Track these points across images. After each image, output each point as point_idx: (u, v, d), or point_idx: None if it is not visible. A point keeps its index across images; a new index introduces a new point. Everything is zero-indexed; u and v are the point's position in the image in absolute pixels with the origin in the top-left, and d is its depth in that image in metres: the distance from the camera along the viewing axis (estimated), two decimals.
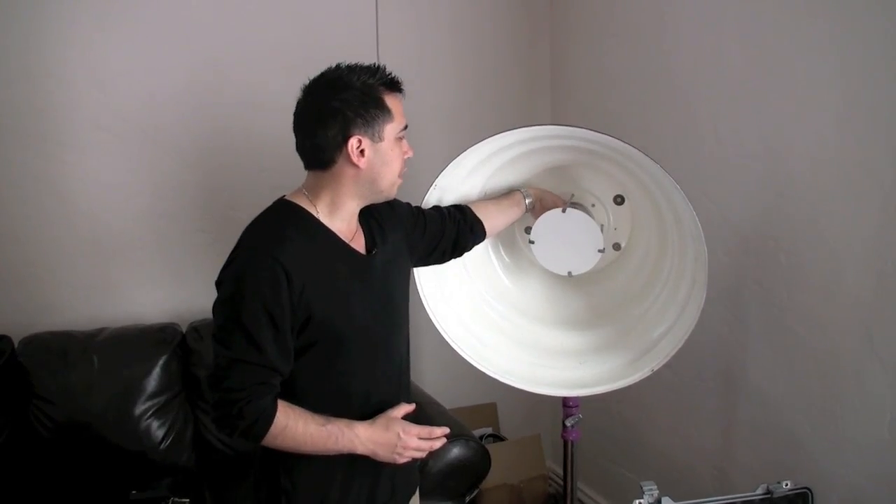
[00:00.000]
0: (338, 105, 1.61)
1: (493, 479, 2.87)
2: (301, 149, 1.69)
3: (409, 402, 1.82)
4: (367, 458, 1.70)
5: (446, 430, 1.81)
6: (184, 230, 2.92)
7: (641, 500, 1.86)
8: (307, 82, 1.68)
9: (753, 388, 2.38)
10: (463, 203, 2.10)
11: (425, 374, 3.20)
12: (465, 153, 1.97)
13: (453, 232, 2.01)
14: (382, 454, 1.71)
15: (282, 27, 2.96)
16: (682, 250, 2.04)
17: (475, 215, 2.06)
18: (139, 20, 2.77)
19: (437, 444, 1.80)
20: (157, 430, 2.63)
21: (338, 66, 1.68)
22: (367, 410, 1.73)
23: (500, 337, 2.28)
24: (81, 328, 2.72)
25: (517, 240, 2.32)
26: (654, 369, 2.05)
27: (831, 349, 2.11)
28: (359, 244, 1.75)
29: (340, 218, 1.70)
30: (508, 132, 1.92)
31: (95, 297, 2.85)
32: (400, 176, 1.74)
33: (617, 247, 2.23)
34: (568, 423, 2.32)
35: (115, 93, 2.77)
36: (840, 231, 2.05)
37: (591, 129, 1.89)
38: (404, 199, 1.94)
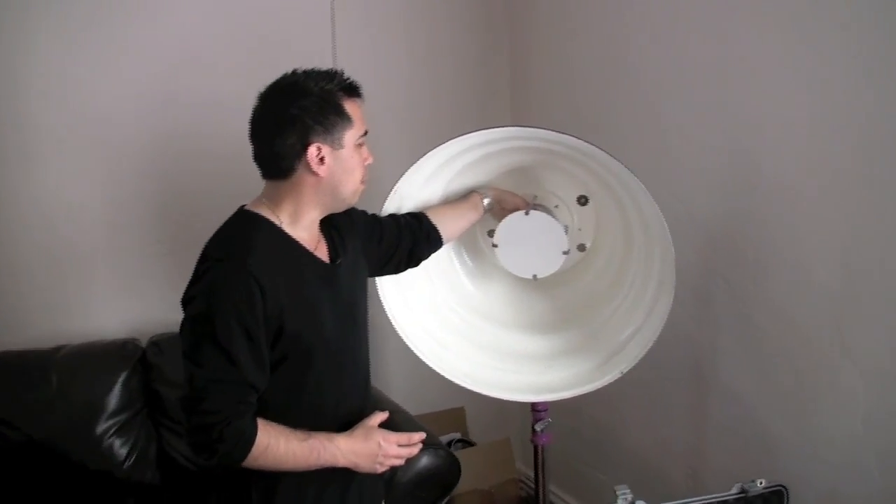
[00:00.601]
0: (296, 112, 1.57)
1: (463, 485, 2.83)
2: (258, 158, 1.65)
3: (372, 410, 1.79)
4: (338, 470, 1.66)
5: (423, 434, 1.80)
6: (141, 241, 2.85)
7: None
8: (263, 89, 1.64)
9: (724, 385, 2.36)
10: (421, 209, 2.06)
11: (391, 380, 3.15)
12: (423, 158, 1.93)
13: (409, 242, 1.98)
14: (364, 465, 1.68)
15: (237, 32, 2.91)
16: (648, 251, 2.02)
17: (431, 223, 2.02)
18: (94, 29, 2.71)
19: (416, 450, 1.78)
20: (119, 448, 2.57)
21: (294, 73, 1.64)
22: (338, 422, 1.70)
23: (464, 342, 2.24)
24: (40, 346, 2.65)
25: (480, 244, 2.28)
26: (624, 372, 2.03)
27: (802, 344, 2.09)
28: (322, 253, 1.72)
29: (303, 227, 1.67)
30: (466, 136, 1.89)
31: (53, 314, 2.78)
32: (362, 183, 1.70)
33: (582, 248, 2.20)
34: (538, 428, 2.29)
35: (70, 102, 2.71)
36: (808, 226, 2.03)
37: (551, 130, 1.86)
38: (363, 206, 1.90)
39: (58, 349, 2.63)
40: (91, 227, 2.79)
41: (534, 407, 2.23)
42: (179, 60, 2.83)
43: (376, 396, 2.50)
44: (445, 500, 2.64)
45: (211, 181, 2.81)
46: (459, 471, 2.57)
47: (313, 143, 1.59)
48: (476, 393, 2.16)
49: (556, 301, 2.26)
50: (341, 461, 1.64)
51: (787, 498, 1.88)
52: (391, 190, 2.00)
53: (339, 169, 1.63)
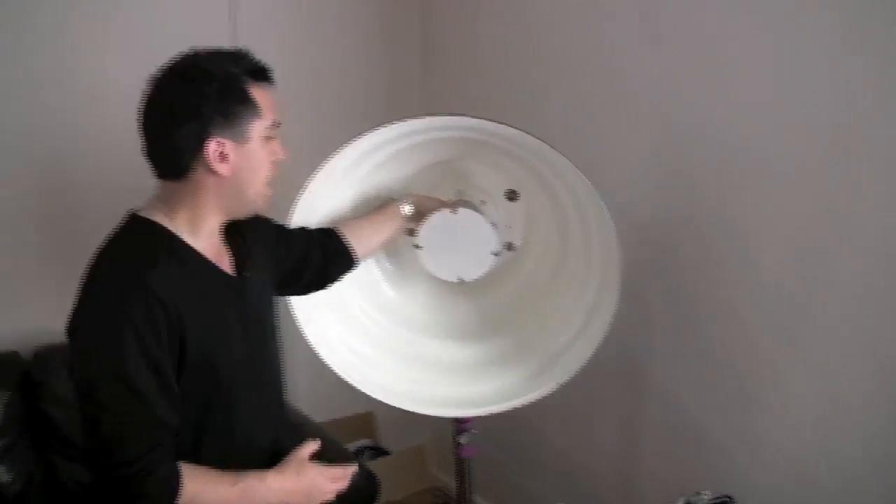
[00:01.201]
0: (193, 100, 1.36)
1: None
2: (150, 154, 1.41)
3: (289, 433, 1.63)
4: None
5: (356, 467, 1.64)
6: (18, 241, 2.49)
7: None
8: (156, 71, 1.40)
9: (662, 389, 2.22)
10: (331, 223, 1.86)
11: (297, 384, 2.88)
12: (332, 159, 1.72)
13: (318, 259, 1.78)
14: (298, 503, 1.52)
15: (128, 9, 2.57)
16: (587, 250, 1.85)
17: (342, 242, 1.82)
18: None
19: (347, 484, 1.61)
20: (3, 475, 2.26)
21: (193, 53, 1.41)
22: (252, 450, 1.56)
23: (382, 353, 2.03)
24: None
25: (400, 245, 2.06)
26: (561, 384, 1.86)
27: (748, 346, 1.96)
28: (226, 266, 1.51)
29: (204, 236, 1.46)
30: (378, 130, 1.68)
31: None
32: (269, 182, 1.49)
33: (511, 247, 2.01)
34: (462, 441, 2.12)
35: None
36: (757, 221, 1.89)
37: (474, 117, 1.66)
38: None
39: None
40: None
41: (458, 418, 2.04)
42: (65, 40, 2.46)
43: None
44: None
45: (98, 178, 2.46)
46: (378, 489, 2.36)
47: (213, 137, 1.37)
48: None
49: (484, 306, 2.07)
50: (273, 502, 1.47)
51: None
52: (303, 188, 1.77)
53: (244, 167, 1.42)
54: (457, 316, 2.08)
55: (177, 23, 2.55)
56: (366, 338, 2.05)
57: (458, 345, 2.05)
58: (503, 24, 2.63)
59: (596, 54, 2.26)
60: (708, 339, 2.07)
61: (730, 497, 1.80)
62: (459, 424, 2.08)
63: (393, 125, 1.68)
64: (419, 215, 1.90)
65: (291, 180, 1.72)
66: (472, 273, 1.90)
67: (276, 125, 1.47)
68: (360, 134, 1.69)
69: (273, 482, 1.47)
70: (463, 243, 1.87)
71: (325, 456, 1.60)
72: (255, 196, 1.47)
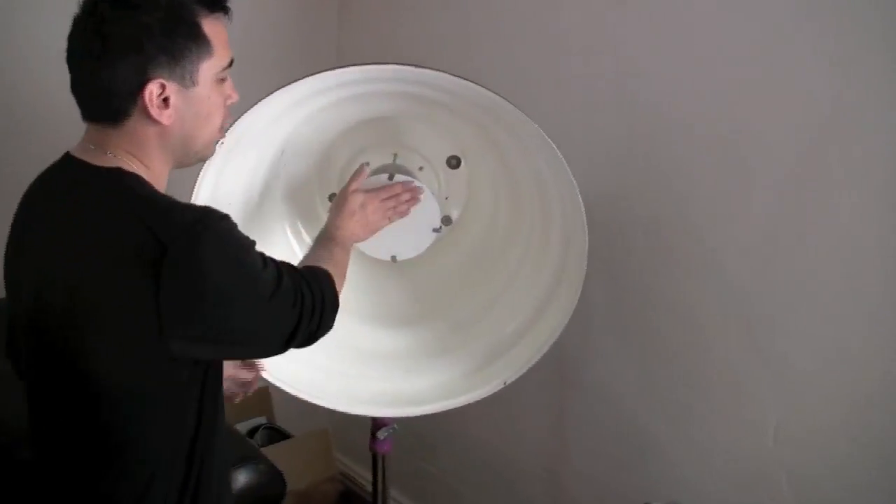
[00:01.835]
0: (132, 32, 1.12)
1: None
2: (77, 90, 1.18)
3: None
4: None
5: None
6: None
7: None
8: None
9: (599, 386, 2.00)
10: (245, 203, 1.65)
11: None
12: (239, 121, 1.41)
13: None
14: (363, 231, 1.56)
15: None
16: (543, 231, 1.61)
17: None
18: None
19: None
20: None
21: None
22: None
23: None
24: None
25: (321, 213, 1.77)
26: (508, 382, 1.62)
27: (701, 344, 1.76)
28: None
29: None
30: (289, 87, 1.39)
31: None
32: (221, 130, 1.28)
33: (447, 221, 1.76)
34: (380, 435, 1.88)
35: None
36: (718, 211, 1.69)
37: (428, 68, 1.38)
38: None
39: None
40: None
41: None
42: None
43: None
44: None
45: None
46: (285, 487, 2.09)
47: (154, 78, 1.13)
48: None
49: (417, 286, 1.82)
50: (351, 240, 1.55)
51: None
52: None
53: (190, 114, 1.19)
54: (387, 297, 1.82)
55: None
56: None
57: (388, 331, 1.80)
58: None
59: (548, 8, 1.99)
60: (655, 336, 1.88)
61: None
62: (378, 419, 1.85)
63: (304, 80, 1.39)
64: None
65: None
66: (408, 251, 1.67)
67: (230, 64, 1.24)
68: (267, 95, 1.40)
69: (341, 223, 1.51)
70: None
71: None
72: (204, 146, 1.26)
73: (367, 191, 1.56)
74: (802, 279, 1.57)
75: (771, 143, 1.57)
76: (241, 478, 1.97)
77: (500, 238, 1.75)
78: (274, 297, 1.18)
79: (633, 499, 1.85)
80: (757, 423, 1.69)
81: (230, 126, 1.34)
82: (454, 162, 1.71)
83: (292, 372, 1.66)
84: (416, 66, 1.37)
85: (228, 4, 1.21)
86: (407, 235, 1.62)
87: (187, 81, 1.17)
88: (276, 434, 2.81)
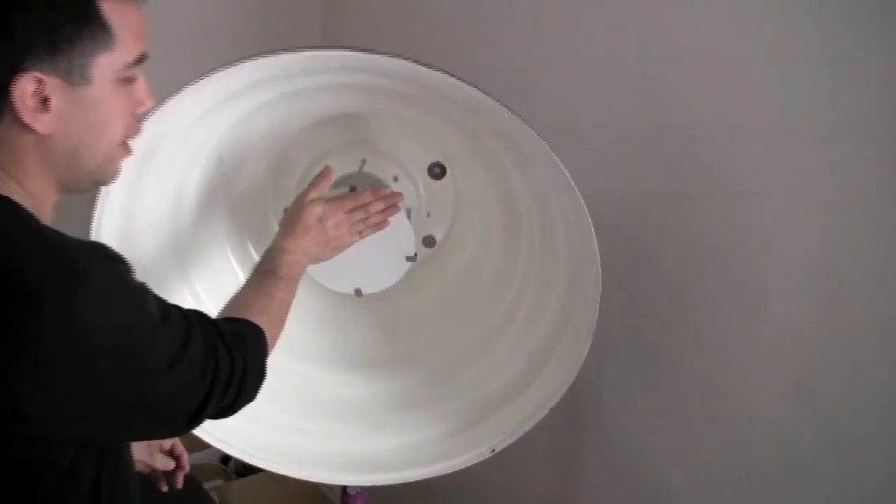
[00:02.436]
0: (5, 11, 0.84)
1: None
2: None
3: None
4: None
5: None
6: None
7: None
8: None
9: (613, 429, 1.71)
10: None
11: None
12: (176, 97, 1.07)
13: None
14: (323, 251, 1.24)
15: None
16: (545, 262, 1.29)
17: None
18: None
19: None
20: None
21: None
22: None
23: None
24: None
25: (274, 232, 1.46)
26: (496, 450, 1.30)
27: (739, 388, 1.45)
28: None
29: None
30: (242, 63, 1.05)
31: None
32: (125, 145, 0.98)
33: (430, 241, 1.44)
34: (350, 491, 1.56)
35: None
36: (767, 228, 1.36)
37: (406, 59, 1.05)
38: None
39: None
40: None
41: None
42: None
43: None
44: None
45: None
46: None
47: (28, 70, 0.85)
48: None
49: (388, 324, 1.49)
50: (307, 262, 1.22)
51: None
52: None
53: (79, 120, 0.90)
54: (352, 335, 1.49)
55: None
56: None
57: (354, 379, 1.48)
58: None
59: None
60: (682, 375, 1.56)
61: None
62: None
63: (264, 58, 1.05)
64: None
65: None
66: (377, 283, 1.35)
67: (141, 60, 0.94)
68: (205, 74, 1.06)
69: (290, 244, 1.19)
70: (364, 242, 1.29)
71: None
72: (99, 165, 0.95)
73: (329, 200, 1.23)
74: (867, 323, 1.25)
75: (826, 162, 1.24)
76: None
77: (492, 267, 1.42)
78: (177, 363, 0.89)
79: None
80: (806, 494, 1.39)
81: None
82: (437, 171, 1.39)
83: (228, 426, 1.33)
84: (372, 52, 1.04)
85: None
86: (375, 263, 1.30)
87: (75, 78, 0.88)
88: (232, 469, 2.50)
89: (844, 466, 1.34)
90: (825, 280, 1.30)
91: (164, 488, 1.31)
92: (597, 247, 1.14)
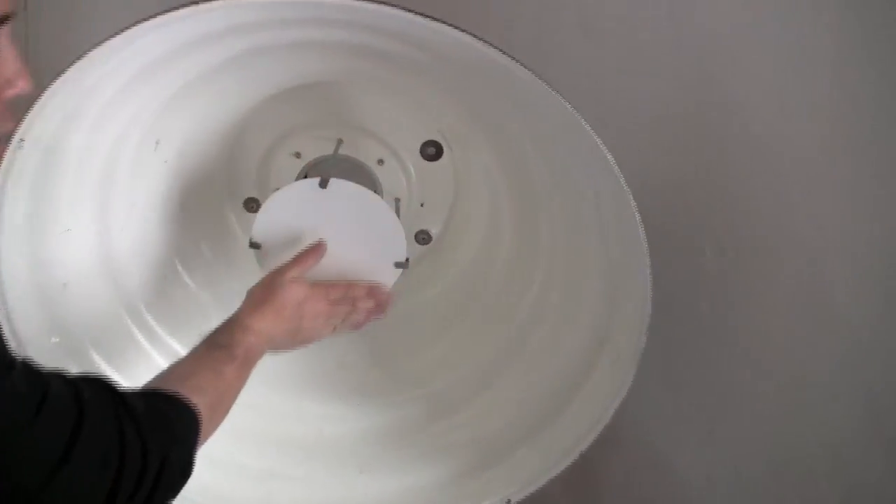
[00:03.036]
0: None
1: None
2: None
3: None
4: None
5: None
6: None
7: None
8: None
9: (642, 444, 1.47)
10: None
11: None
12: (82, 63, 0.79)
13: None
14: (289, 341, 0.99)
15: None
16: (572, 265, 1.03)
17: None
18: None
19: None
20: None
21: None
22: None
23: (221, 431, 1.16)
24: None
25: (235, 229, 1.22)
26: (513, 502, 1.04)
27: (793, 409, 1.26)
28: None
29: None
30: (175, 11, 0.76)
31: None
32: None
33: (424, 238, 1.20)
34: None
35: None
36: (831, 225, 1.16)
37: (386, 3, 0.78)
38: None
39: None
40: None
41: None
42: None
43: None
44: None
45: None
46: None
47: None
48: None
49: (375, 343, 1.22)
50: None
51: None
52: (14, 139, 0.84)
53: None
54: (332, 356, 1.22)
55: None
56: None
57: (338, 409, 1.20)
58: None
59: None
60: (726, 389, 1.34)
61: None
62: None
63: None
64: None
65: None
66: None
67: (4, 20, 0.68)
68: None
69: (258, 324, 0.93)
70: (343, 244, 1.02)
71: None
72: None
73: (314, 286, 0.99)
74: None
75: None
76: None
77: (502, 271, 1.16)
78: (64, 464, 0.63)
79: None
80: None
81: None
82: (432, 151, 1.13)
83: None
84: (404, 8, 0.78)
85: None
86: (356, 272, 1.03)
87: None
88: None
89: None
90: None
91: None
92: (646, 247, 0.88)
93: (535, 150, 1.00)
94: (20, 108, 0.79)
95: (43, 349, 0.97)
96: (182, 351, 1.08)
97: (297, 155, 1.11)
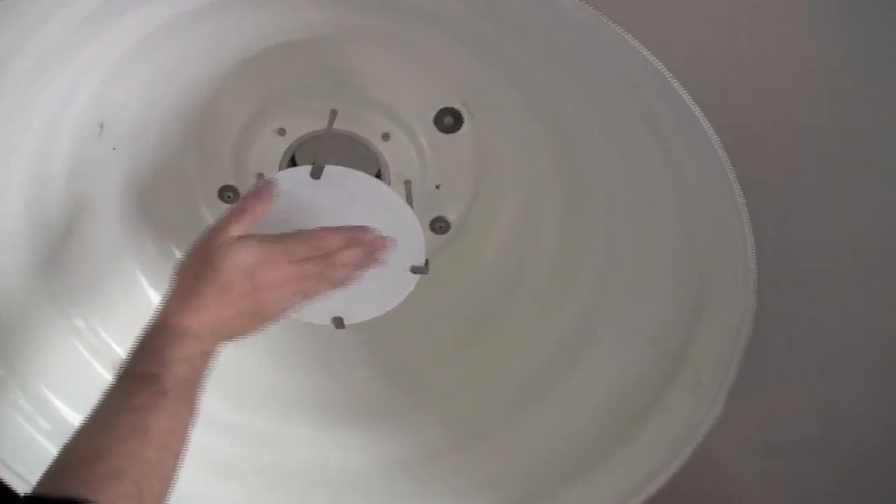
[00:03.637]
0: None
1: None
2: None
3: None
4: None
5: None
6: None
7: None
8: None
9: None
10: None
11: None
12: None
13: None
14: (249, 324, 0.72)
15: None
16: (637, 255, 0.84)
17: None
18: None
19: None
20: None
21: None
22: None
23: (207, 473, 0.96)
24: None
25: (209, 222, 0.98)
26: None
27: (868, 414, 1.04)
28: None
29: None
30: None
31: None
32: None
33: (441, 226, 0.98)
34: None
35: None
36: None
37: None
38: None
39: None
40: None
41: None
42: None
43: None
44: None
45: None
46: None
47: None
48: None
49: (389, 357, 1.03)
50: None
51: None
52: None
53: None
54: (338, 374, 1.03)
55: None
56: None
57: (343, 436, 1.01)
58: None
59: None
60: (786, 388, 1.09)
61: None
62: None
63: None
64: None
65: None
66: (367, 308, 0.88)
67: None
68: None
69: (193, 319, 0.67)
70: None
71: None
72: None
73: (264, 239, 0.72)
74: None
75: None
76: None
77: (542, 265, 0.96)
78: None
79: None
80: None
81: None
82: (450, 121, 0.91)
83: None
84: None
85: None
86: (364, 278, 0.82)
87: None
88: None
89: None
90: None
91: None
92: (751, 238, 0.67)
93: (586, 111, 0.79)
94: None
95: None
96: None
97: (281, 132, 0.89)
